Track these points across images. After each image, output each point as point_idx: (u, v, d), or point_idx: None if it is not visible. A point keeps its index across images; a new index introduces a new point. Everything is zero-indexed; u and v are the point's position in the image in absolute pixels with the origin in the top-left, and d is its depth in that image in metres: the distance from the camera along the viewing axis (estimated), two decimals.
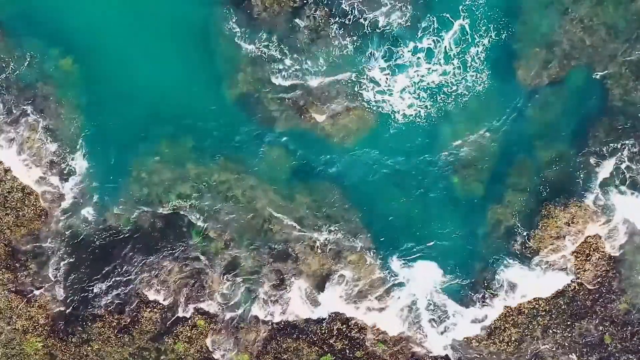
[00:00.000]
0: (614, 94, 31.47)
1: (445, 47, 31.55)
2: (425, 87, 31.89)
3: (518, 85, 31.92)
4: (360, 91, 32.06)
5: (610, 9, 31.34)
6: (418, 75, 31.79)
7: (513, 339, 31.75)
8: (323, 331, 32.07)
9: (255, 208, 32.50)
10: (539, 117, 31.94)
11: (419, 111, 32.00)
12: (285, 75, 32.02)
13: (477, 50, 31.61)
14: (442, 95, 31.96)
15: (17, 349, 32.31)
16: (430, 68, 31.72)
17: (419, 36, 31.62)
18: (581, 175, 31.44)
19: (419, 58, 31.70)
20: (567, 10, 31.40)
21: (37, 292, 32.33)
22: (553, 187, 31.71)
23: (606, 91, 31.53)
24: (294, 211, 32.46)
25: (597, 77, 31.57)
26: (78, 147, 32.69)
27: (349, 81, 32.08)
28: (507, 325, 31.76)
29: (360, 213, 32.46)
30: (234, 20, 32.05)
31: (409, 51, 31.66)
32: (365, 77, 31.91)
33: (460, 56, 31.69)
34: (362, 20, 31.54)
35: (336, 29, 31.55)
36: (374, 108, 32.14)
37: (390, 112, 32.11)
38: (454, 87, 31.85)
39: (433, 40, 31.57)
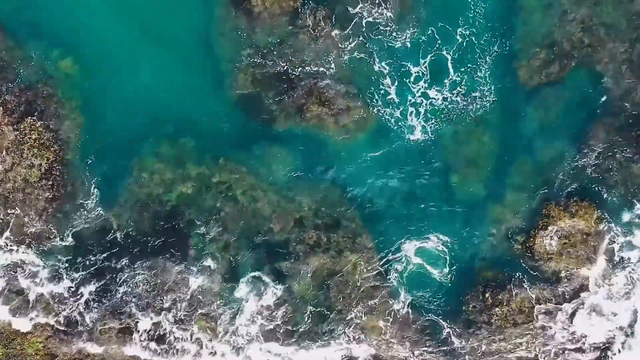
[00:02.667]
0: (614, 94, 31.51)
1: (449, 65, 31.66)
2: (429, 100, 32.08)
3: (518, 86, 31.96)
4: (363, 93, 32.15)
5: (610, 9, 31.36)
6: (422, 85, 31.92)
7: (514, 337, 31.86)
8: None
9: (255, 208, 32.53)
10: (539, 117, 31.98)
11: (419, 114, 32.15)
12: (285, 77, 32.14)
13: (483, 69, 31.64)
14: (446, 112, 32.09)
15: (18, 349, 32.33)
16: (436, 89, 31.85)
17: (423, 54, 31.70)
18: (581, 175, 31.50)
19: (425, 78, 31.85)
20: (566, 10, 31.43)
21: (37, 293, 32.38)
22: (553, 187, 31.76)
23: (606, 91, 31.58)
24: (294, 211, 32.50)
25: (597, 77, 31.62)
26: (77, 147, 32.70)
27: (350, 83, 32.18)
28: (507, 325, 31.84)
29: (360, 213, 32.50)
30: (234, 21, 32.06)
31: (417, 73, 31.78)
32: (370, 86, 32.10)
33: (466, 70, 31.79)
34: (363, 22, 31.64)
35: (338, 32, 31.62)
36: (376, 110, 32.20)
37: (391, 114, 32.17)
38: (457, 100, 32.00)
39: (437, 55, 31.65)
